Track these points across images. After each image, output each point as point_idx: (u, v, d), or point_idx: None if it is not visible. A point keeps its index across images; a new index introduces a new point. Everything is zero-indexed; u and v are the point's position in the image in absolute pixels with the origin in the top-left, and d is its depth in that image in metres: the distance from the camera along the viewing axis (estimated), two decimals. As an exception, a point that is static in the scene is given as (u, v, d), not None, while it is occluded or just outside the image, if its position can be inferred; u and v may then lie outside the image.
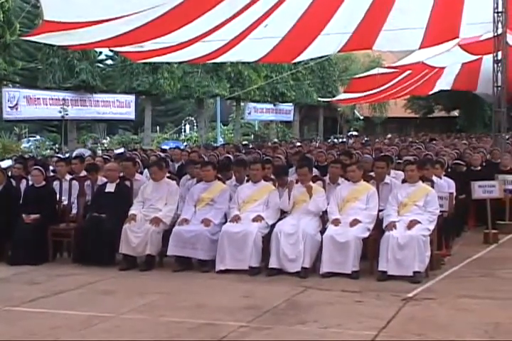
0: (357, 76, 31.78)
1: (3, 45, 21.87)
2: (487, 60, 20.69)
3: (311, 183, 9.51)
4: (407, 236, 8.49)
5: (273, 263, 8.88)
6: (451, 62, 24.47)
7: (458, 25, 13.43)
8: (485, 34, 16.82)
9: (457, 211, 10.77)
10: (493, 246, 10.93)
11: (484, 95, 31.96)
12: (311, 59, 28.49)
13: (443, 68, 26.17)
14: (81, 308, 7.25)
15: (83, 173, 11.16)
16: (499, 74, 16.44)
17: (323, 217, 9.34)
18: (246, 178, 10.15)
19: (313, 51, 13.90)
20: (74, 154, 19.70)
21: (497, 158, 14.16)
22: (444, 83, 29.78)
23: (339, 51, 13.40)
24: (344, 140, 32.36)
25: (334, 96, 38.12)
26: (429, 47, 14.28)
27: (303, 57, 14.12)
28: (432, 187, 9.47)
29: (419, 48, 13.41)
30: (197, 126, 40.63)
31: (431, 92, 33.40)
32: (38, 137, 44.71)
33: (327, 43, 13.55)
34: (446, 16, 13.53)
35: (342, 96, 33.52)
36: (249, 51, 13.98)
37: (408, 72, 26.05)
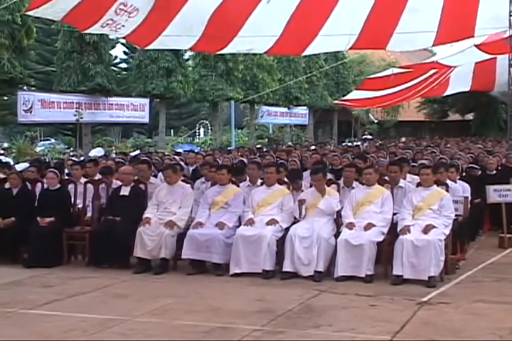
0: (371, 76, 31.61)
1: (18, 49, 21.96)
2: (501, 58, 20.57)
3: (325, 187, 9.52)
4: (423, 240, 8.47)
5: (287, 267, 8.88)
6: (466, 61, 24.28)
7: (473, 23, 13.22)
8: (502, 32, 16.59)
9: (472, 215, 10.69)
10: (508, 250, 10.86)
11: (499, 94, 31.80)
12: (326, 65, 28.36)
13: (456, 66, 25.97)
14: (95, 311, 7.27)
15: (98, 176, 11.19)
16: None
17: (338, 221, 9.33)
18: (260, 181, 10.15)
19: (323, 44, 13.67)
20: (90, 154, 19.78)
21: (512, 162, 14.10)
22: (462, 85, 29.59)
23: (351, 48, 13.20)
24: (358, 143, 32.27)
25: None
26: (444, 44, 14.03)
27: (312, 50, 13.88)
28: (447, 191, 9.44)
29: (433, 45, 13.20)
30: (211, 129, 40.67)
31: (446, 94, 33.17)
32: (52, 140, 44.90)
33: (336, 38, 13.37)
34: (461, 12, 13.35)
35: (354, 94, 33.19)
36: (257, 39, 13.70)
37: (428, 74, 25.87)
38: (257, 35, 13.22)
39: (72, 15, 11.17)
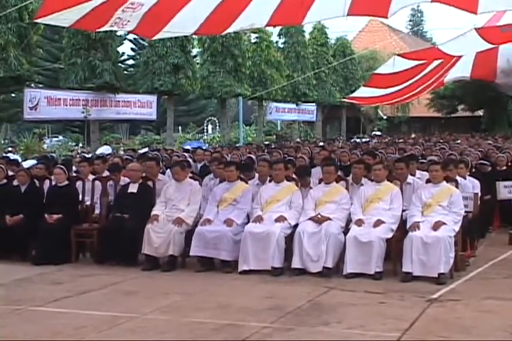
0: (379, 72, 31.45)
1: (26, 46, 21.96)
2: (504, 48, 20.35)
3: (334, 183, 9.51)
4: (432, 236, 8.44)
5: (296, 264, 8.86)
6: (466, 51, 23.98)
7: None
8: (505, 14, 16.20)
9: (482, 212, 10.64)
10: (518, 247, 10.83)
11: (508, 87, 31.46)
12: (335, 61, 28.03)
13: (459, 57, 25.72)
14: (104, 308, 7.27)
15: (106, 174, 11.19)
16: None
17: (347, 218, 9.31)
18: (269, 178, 10.13)
19: (320, 11, 13.50)
20: (97, 152, 19.76)
21: (522, 159, 14.03)
22: (462, 70, 29.26)
23: (349, 14, 13.00)
24: (367, 140, 32.14)
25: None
26: (443, 3, 13.62)
27: (311, 18, 13.70)
28: (457, 187, 9.40)
29: (432, 1, 12.86)
30: (219, 126, 40.65)
31: (447, 80, 32.85)
32: (60, 137, 44.92)
33: (332, 3, 13.18)
34: None
35: (361, 92, 32.97)
36: (256, 13, 13.60)
37: (431, 66, 25.68)
38: (257, 10, 13.18)
39: (82, 21, 11.25)
